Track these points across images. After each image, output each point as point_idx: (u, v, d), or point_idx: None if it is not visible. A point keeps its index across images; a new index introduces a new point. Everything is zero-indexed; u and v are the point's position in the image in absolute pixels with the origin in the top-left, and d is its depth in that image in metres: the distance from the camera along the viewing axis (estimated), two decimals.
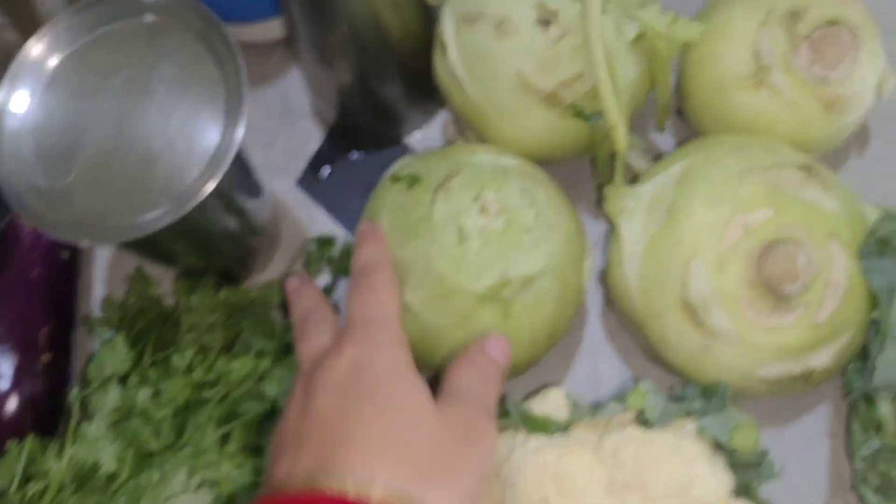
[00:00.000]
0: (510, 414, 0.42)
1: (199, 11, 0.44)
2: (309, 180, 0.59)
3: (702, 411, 0.41)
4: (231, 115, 0.43)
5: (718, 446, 0.40)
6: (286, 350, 0.53)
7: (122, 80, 0.43)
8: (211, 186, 0.42)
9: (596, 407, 0.44)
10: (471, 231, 0.43)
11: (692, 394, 0.43)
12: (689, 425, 0.40)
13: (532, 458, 0.39)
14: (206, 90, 0.43)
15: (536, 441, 0.41)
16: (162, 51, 0.44)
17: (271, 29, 0.59)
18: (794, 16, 0.47)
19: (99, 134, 0.43)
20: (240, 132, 0.43)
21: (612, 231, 0.48)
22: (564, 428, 0.42)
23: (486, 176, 0.45)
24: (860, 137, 0.56)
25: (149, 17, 0.44)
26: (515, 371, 0.47)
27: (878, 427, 0.45)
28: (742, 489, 0.39)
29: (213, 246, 0.50)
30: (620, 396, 0.43)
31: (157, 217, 0.42)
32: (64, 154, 0.42)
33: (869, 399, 0.45)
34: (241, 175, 0.49)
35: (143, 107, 0.43)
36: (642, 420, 0.39)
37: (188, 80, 0.43)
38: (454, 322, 0.44)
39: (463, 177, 0.44)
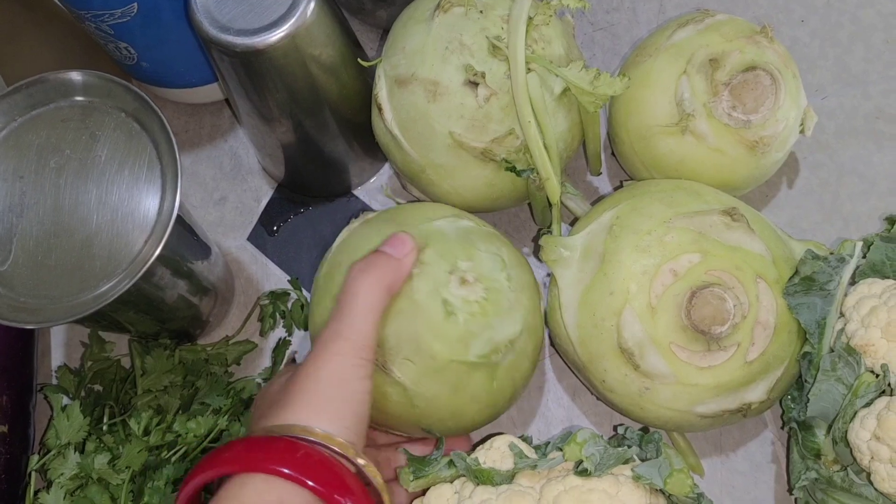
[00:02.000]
0: (455, 466, 0.43)
1: (129, 91, 0.45)
2: (260, 235, 0.60)
3: (640, 457, 0.42)
4: (168, 186, 0.44)
5: (659, 491, 0.42)
6: (244, 406, 0.54)
7: (58, 162, 0.44)
8: (154, 256, 0.43)
9: (541, 449, 0.46)
10: (455, 304, 0.44)
11: (632, 438, 0.45)
12: (627, 472, 0.41)
13: None
14: (142, 165, 0.44)
15: (481, 494, 0.42)
16: (97, 131, 0.45)
17: (217, 91, 0.60)
18: (713, 63, 0.49)
19: (37, 216, 0.44)
20: (177, 201, 0.44)
21: (551, 277, 0.50)
22: (510, 478, 0.43)
23: (454, 245, 0.45)
24: (790, 169, 0.58)
25: (80, 98, 0.45)
26: (492, 420, 0.49)
27: (818, 453, 0.47)
28: None
29: (163, 312, 0.51)
30: (563, 443, 0.44)
31: (102, 293, 0.43)
32: (1, 238, 0.43)
33: (807, 426, 0.47)
34: (185, 240, 0.50)
35: (82, 186, 0.44)
36: (582, 469, 0.41)
37: (124, 158, 0.45)
38: (446, 391, 0.45)
39: (433, 249, 0.45)
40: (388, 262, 0.43)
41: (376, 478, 0.38)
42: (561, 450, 0.43)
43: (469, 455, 0.45)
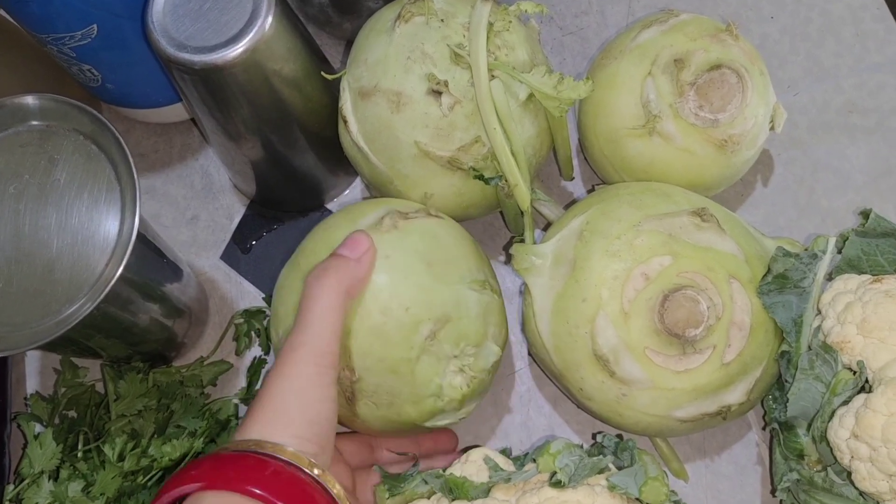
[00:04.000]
0: (427, 483, 0.43)
1: (86, 113, 0.44)
2: (233, 253, 0.60)
3: (616, 465, 0.42)
4: (127, 207, 0.44)
5: (636, 500, 0.41)
6: (221, 427, 0.53)
7: (17, 187, 0.44)
8: (115, 277, 0.42)
9: (520, 461, 0.45)
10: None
11: (609, 446, 0.44)
12: (603, 482, 0.40)
13: None
14: (101, 187, 0.44)
15: None
16: (55, 154, 0.44)
17: (184, 110, 0.60)
18: (678, 63, 0.48)
19: None
20: (136, 221, 0.43)
21: (524, 285, 0.49)
22: (485, 491, 0.42)
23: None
24: (765, 166, 0.57)
25: (37, 123, 0.45)
26: None
27: (801, 454, 0.46)
28: None
29: (134, 335, 0.50)
30: (539, 453, 0.43)
31: (65, 318, 0.42)
32: None
33: (789, 426, 0.46)
34: (153, 262, 0.49)
35: (42, 211, 0.44)
36: (556, 480, 0.40)
37: (83, 180, 0.44)
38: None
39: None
40: (345, 265, 0.42)
41: (334, 488, 0.38)
42: (536, 461, 0.42)
43: (444, 469, 0.44)
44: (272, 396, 0.40)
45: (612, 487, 0.40)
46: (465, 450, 0.46)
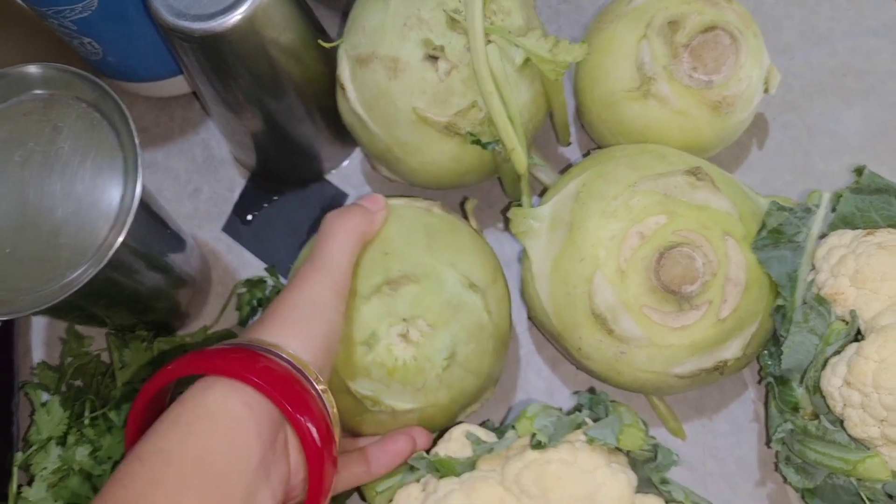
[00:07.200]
0: (414, 468, 0.43)
1: (88, 80, 0.45)
2: (235, 225, 0.60)
3: (593, 419, 0.42)
4: (130, 173, 0.44)
5: (617, 449, 0.41)
6: None
7: (22, 155, 0.44)
8: (118, 243, 0.43)
9: (500, 431, 0.45)
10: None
11: (585, 402, 0.45)
12: (582, 438, 0.41)
13: None
14: (104, 155, 0.44)
15: (446, 486, 0.41)
16: (59, 122, 0.45)
17: (185, 83, 0.60)
18: (672, 25, 0.49)
19: (3, 210, 0.44)
20: (138, 187, 0.44)
21: (523, 249, 0.50)
22: (471, 465, 0.43)
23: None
24: (760, 130, 0.58)
25: (40, 91, 0.45)
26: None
27: (796, 407, 0.46)
28: (647, 483, 0.41)
29: (138, 303, 0.51)
30: (517, 419, 0.44)
31: (68, 282, 0.43)
32: None
33: (783, 380, 0.47)
34: (157, 232, 0.50)
35: (47, 178, 0.44)
36: (536, 442, 0.41)
37: (87, 148, 0.45)
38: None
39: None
40: (363, 213, 0.45)
41: (332, 409, 0.38)
42: (515, 427, 0.43)
43: (428, 452, 0.45)
44: (280, 306, 0.39)
45: (590, 440, 0.40)
46: (446, 430, 0.46)
